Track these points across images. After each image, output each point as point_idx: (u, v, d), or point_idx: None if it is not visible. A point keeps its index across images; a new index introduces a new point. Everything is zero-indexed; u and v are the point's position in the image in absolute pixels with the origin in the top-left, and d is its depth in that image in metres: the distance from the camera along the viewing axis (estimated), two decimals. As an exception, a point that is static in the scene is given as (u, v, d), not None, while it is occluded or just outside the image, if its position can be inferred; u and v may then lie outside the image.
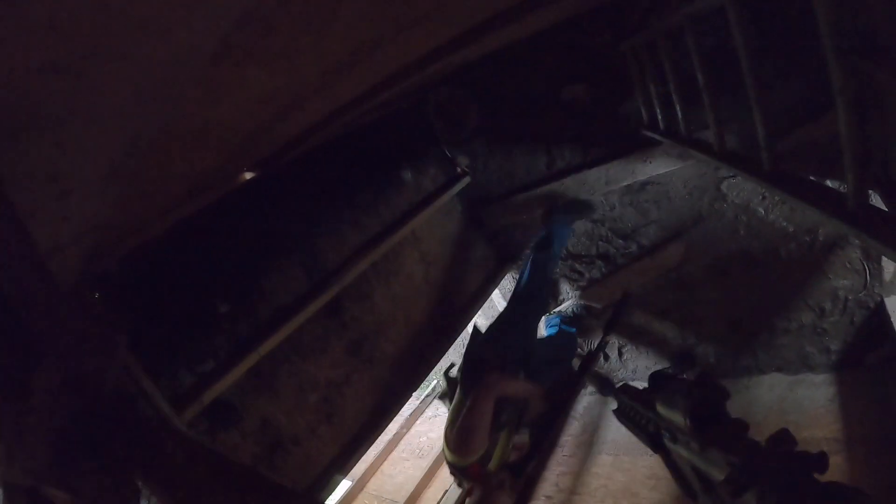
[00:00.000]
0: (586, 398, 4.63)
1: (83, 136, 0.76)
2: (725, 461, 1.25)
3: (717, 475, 1.27)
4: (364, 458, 3.49)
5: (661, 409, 1.55)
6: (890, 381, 3.28)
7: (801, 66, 3.11)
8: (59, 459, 0.53)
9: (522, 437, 3.08)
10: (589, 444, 4.16)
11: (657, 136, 3.25)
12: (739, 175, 2.61)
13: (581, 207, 4.02)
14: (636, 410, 1.84)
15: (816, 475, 1.06)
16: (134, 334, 2.31)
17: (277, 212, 3.08)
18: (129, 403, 0.59)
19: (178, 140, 1.23)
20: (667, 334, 4.19)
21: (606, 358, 4.56)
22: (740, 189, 3.61)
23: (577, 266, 4.31)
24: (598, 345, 3.85)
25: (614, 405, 2.33)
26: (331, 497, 3.07)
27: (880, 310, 3.43)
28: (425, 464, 4.74)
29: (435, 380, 5.71)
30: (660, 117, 3.19)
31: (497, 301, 4.80)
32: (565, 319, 4.47)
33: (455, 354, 5.22)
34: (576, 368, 3.69)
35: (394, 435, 5.28)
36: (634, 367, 4.42)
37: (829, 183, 3.29)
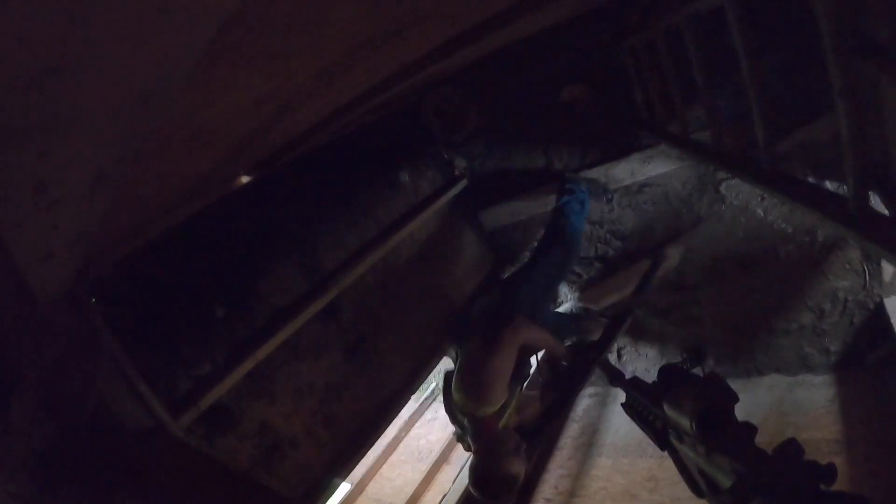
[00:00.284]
0: (585, 400, 4.61)
1: (69, 145, 0.75)
2: (731, 468, 1.23)
3: (723, 481, 1.26)
4: (363, 461, 3.47)
5: (667, 409, 1.53)
6: (890, 381, 3.28)
7: (801, 67, 3.10)
8: (42, 482, 0.52)
9: (530, 400, 2.97)
10: (588, 446, 4.15)
11: (656, 137, 3.24)
12: (738, 177, 2.60)
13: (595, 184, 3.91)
14: (644, 405, 1.81)
15: (823, 485, 1.04)
16: (130, 338, 2.29)
17: (274, 214, 3.07)
18: (113, 423, 0.57)
19: (169, 144, 1.22)
20: (666, 336, 4.18)
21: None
22: (739, 190, 3.60)
23: (575, 267, 4.29)
24: (626, 310, 3.59)
25: (616, 407, 2.33)
26: (330, 500, 3.04)
27: (880, 310, 3.42)
28: (424, 467, 4.72)
29: (434, 382, 5.70)
30: (658, 118, 3.18)
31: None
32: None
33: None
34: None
35: (392, 438, 5.27)
36: (633, 368, 4.40)
37: (828, 184, 3.29)
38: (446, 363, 5.14)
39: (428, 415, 5.58)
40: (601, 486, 3.74)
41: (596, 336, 3.22)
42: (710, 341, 4.04)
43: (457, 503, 3.82)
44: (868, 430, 3.05)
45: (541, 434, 2.77)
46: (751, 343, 3.90)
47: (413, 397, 5.30)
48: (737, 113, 3.22)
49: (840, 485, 1.05)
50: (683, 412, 1.39)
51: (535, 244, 3.88)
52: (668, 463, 1.62)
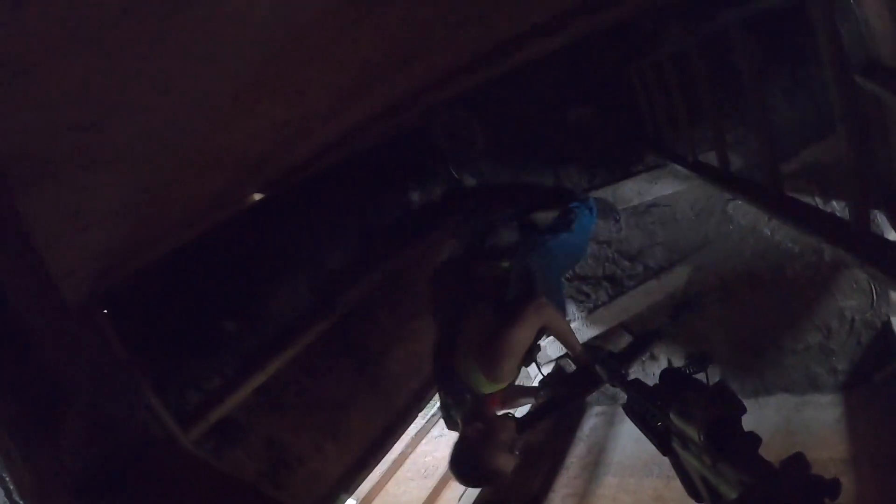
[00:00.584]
0: (592, 419, 4.60)
1: (104, 178, 0.79)
2: (737, 479, 1.24)
3: (727, 492, 1.26)
4: (369, 477, 3.48)
5: (674, 417, 1.51)
6: (897, 400, 3.26)
7: (806, 88, 3.13)
8: (86, 498, 0.55)
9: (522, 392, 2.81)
10: (594, 465, 4.13)
11: (662, 159, 3.27)
12: (742, 200, 2.62)
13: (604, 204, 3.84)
14: (646, 409, 1.78)
15: (828, 500, 1.05)
16: (140, 350, 2.32)
17: (285, 232, 3.11)
18: (153, 446, 0.61)
19: (191, 167, 1.26)
20: (673, 354, 4.17)
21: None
22: (746, 210, 3.61)
23: (583, 287, 4.30)
24: (653, 332, 3.50)
25: (623, 427, 2.29)
26: (336, 516, 3.05)
27: (887, 330, 3.41)
28: (431, 483, 4.71)
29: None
30: (665, 139, 3.21)
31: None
32: None
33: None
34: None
35: (399, 454, 5.25)
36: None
37: (835, 203, 3.30)
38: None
39: (434, 431, 5.57)
40: (607, 505, 3.72)
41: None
42: (717, 360, 4.03)
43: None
44: (875, 450, 3.03)
45: (531, 425, 2.54)
46: (758, 362, 3.88)
47: (420, 414, 5.29)
48: (743, 134, 3.26)
49: None
50: (692, 422, 1.37)
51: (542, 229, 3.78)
52: (676, 483, 1.61)
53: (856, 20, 2.64)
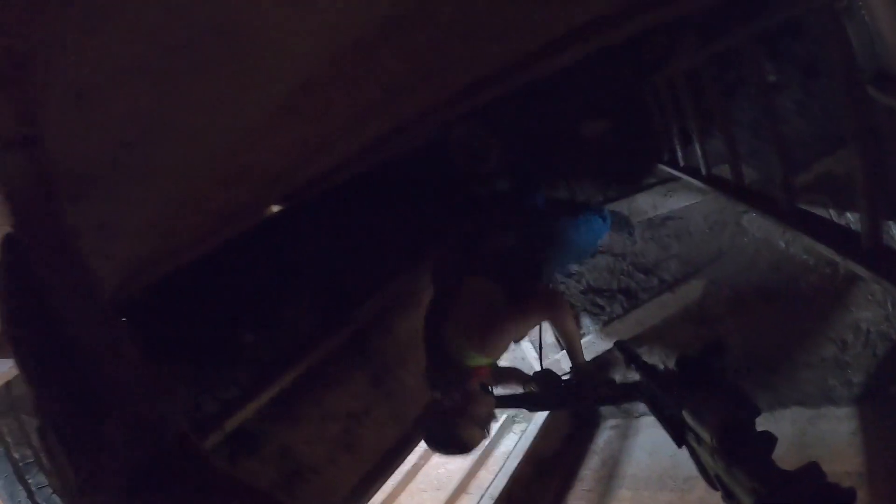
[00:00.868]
0: (607, 432, 4.58)
1: (138, 192, 0.83)
2: (750, 485, 1.23)
3: (741, 495, 1.25)
4: (382, 489, 3.48)
5: (687, 417, 1.50)
6: (913, 413, 3.22)
7: (819, 100, 3.13)
8: (129, 494, 0.58)
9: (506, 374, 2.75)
10: (609, 478, 4.10)
11: (676, 172, 3.28)
12: (756, 213, 2.63)
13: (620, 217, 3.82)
14: (662, 399, 1.74)
15: None
16: (158, 358, 2.36)
17: (303, 244, 3.14)
18: (189, 448, 0.64)
19: (217, 183, 1.30)
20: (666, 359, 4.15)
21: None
22: (761, 223, 3.60)
23: (598, 300, 4.30)
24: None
25: (637, 440, 2.25)
26: (349, 527, 3.06)
27: (902, 341, 3.38)
28: (443, 496, 4.69)
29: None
30: (679, 153, 3.22)
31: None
32: None
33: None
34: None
35: (412, 466, 5.24)
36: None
37: (849, 215, 3.29)
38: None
39: (447, 444, 5.55)
40: (622, 519, 3.69)
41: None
42: (732, 373, 4.00)
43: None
44: (891, 462, 2.99)
45: (503, 408, 2.62)
46: (773, 376, 3.85)
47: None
48: (757, 147, 3.27)
49: (862, 519, 1.06)
50: (705, 424, 1.36)
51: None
52: (690, 496, 1.60)
53: (868, 31, 2.65)
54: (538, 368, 2.72)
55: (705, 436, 1.36)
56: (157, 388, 0.65)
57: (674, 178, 3.56)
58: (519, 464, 3.87)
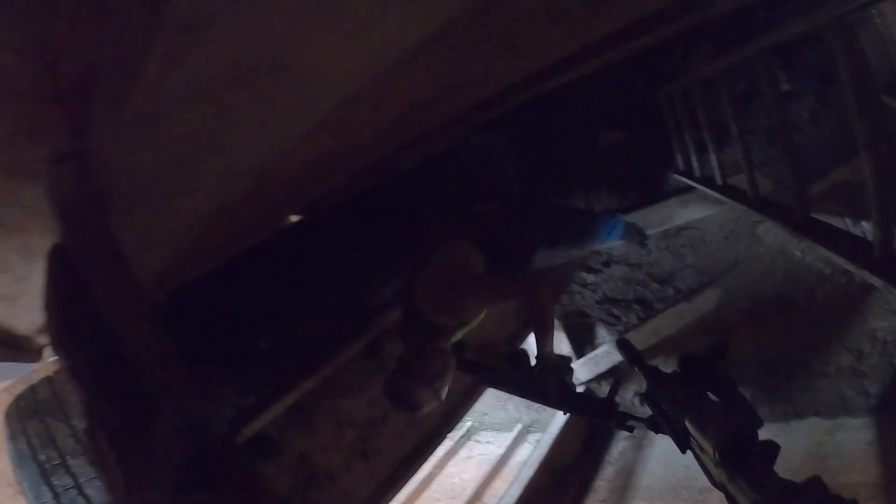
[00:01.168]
0: (621, 443, 4.56)
1: (180, 205, 0.87)
2: (752, 499, 1.23)
3: None
4: (396, 497, 3.49)
5: (689, 426, 1.49)
6: (930, 423, 3.19)
7: (834, 109, 3.13)
8: (177, 490, 0.61)
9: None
10: (623, 488, 4.09)
11: (692, 183, 3.29)
12: (770, 222, 2.64)
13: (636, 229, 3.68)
14: (666, 401, 1.72)
15: None
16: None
17: (320, 253, 3.18)
18: (231, 449, 0.67)
19: (246, 194, 1.34)
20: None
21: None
22: (776, 232, 3.60)
23: (613, 310, 4.31)
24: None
25: (652, 451, 2.22)
26: (364, 535, 3.07)
27: (919, 351, 3.35)
28: (458, 505, 4.71)
29: (469, 422, 5.70)
30: (695, 163, 3.23)
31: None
32: None
33: (490, 397, 5.20)
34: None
35: (427, 475, 5.25)
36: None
37: (864, 224, 3.27)
38: (482, 405, 5.15)
39: (462, 453, 5.57)
40: (636, 529, 3.68)
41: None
42: (746, 384, 3.98)
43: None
44: (907, 473, 2.97)
45: (466, 373, 2.50)
46: (789, 386, 3.83)
47: (448, 435, 5.29)
48: (771, 156, 3.27)
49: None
50: (707, 437, 1.35)
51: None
52: (704, 508, 1.58)
53: (882, 40, 2.66)
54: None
55: (707, 448, 1.36)
56: (204, 391, 0.68)
57: (690, 188, 3.57)
58: (534, 473, 3.86)
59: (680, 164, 3.52)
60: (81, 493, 2.15)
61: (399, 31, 0.82)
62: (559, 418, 4.41)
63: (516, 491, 3.76)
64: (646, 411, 1.82)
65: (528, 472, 3.90)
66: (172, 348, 0.69)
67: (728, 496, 1.35)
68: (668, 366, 1.58)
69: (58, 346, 0.69)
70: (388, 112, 1.32)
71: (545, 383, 2.22)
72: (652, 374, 1.91)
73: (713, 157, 2.88)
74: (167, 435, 0.61)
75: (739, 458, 1.29)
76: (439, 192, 2.93)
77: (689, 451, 1.53)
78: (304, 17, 0.63)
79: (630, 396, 4.32)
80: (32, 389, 2.46)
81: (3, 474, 3.66)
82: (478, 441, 5.69)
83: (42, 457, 2.19)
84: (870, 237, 1.66)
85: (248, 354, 2.78)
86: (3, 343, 2.00)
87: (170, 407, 0.62)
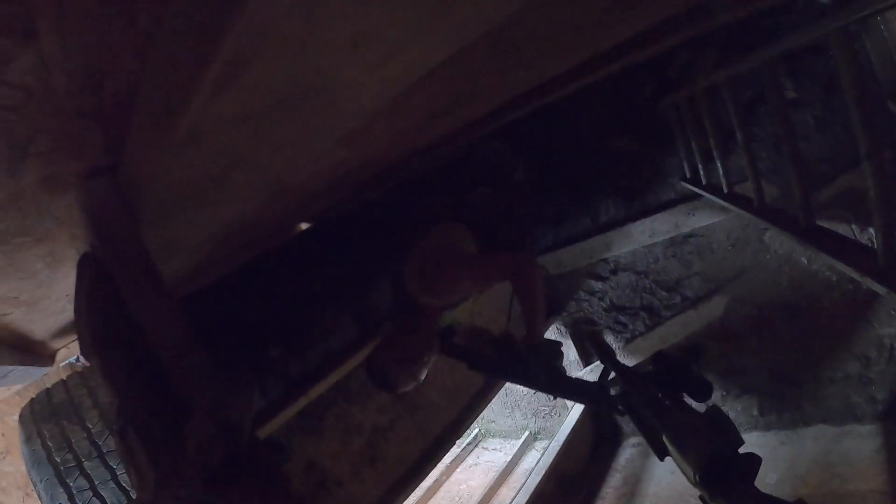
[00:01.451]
0: (629, 450, 4.56)
1: (206, 216, 0.91)
2: None
3: None
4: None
5: (668, 444, 1.46)
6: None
7: (839, 116, 3.15)
8: (208, 488, 0.64)
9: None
10: (630, 496, 4.08)
11: (698, 190, 3.31)
12: (776, 230, 2.65)
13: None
14: (640, 405, 1.65)
15: None
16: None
17: (330, 261, 3.21)
18: (262, 449, 0.70)
19: (270, 205, 1.38)
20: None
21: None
22: (783, 239, 3.60)
23: (620, 318, 4.31)
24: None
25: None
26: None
27: (926, 357, 3.34)
28: (465, 512, 4.70)
29: (477, 428, 5.71)
30: (701, 171, 3.25)
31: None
32: None
33: (498, 404, 5.21)
34: None
35: (433, 482, 5.24)
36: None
37: (871, 230, 3.28)
38: (489, 412, 5.15)
39: (469, 460, 5.57)
40: (644, 537, 3.67)
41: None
42: (753, 391, 3.98)
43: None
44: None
45: (448, 356, 2.48)
46: (796, 393, 3.82)
47: (456, 442, 5.30)
48: (777, 164, 3.29)
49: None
50: (687, 458, 1.33)
51: None
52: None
53: (887, 47, 2.68)
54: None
55: (686, 469, 1.33)
56: (234, 393, 0.71)
57: (696, 196, 3.58)
58: (540, 481, 3.86)
59: (686, 171, 3.54)
60: (96, 494, 2.17)
61: (422, 57, 0.86)
62: (567, 425, 4.42)
63: (523, 498, 3.76)
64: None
65: (535, 480, 3.90)
66: (204, 352, 0.72)
67: None
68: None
69: (90, 350, 0.72)
70: (403, 122, 1.36)
71: (534, 367, 2.20)
72: (624, 373, 1.87)
73: (719, 165, 2.90)
74: (199, 435, 0.64)
75: (720, 480, 1.27)
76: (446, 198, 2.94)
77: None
78: (340, 51, 0.66)
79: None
80: (47, 393, 2.49)
81: (13, 477, 3.70)
82: (485, 448, 5.69)
83: (58, 459, 2.22)
84: (874, 245, 1.67)
85: (260, 361, 2.81)
86: (19, 347, 2.04)
87: (203, 409, 0.65)
